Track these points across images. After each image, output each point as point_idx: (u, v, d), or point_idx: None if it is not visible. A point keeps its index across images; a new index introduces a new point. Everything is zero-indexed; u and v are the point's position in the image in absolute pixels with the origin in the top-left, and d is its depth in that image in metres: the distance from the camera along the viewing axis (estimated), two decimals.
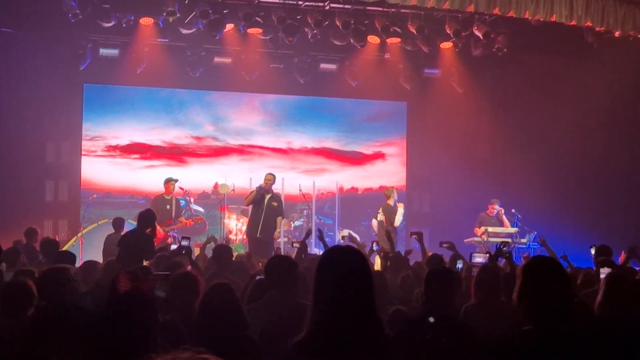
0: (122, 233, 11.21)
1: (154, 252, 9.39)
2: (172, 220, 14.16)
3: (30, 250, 10.81)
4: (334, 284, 3.22)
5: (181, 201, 16.56)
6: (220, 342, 3.98)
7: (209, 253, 10.14)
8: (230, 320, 4.54)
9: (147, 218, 9.70)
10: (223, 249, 8.38)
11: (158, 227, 14.02)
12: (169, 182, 14.49)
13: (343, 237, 14.83)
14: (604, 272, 6.71)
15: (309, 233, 10.57)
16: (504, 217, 15.53)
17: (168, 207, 14.28)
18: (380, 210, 14.74)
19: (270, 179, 13.57)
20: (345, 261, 3.28)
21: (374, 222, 14.92)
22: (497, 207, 15.39)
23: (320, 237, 9.85)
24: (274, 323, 4.91)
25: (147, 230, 9.59)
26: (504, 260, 8.03)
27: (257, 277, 6.05)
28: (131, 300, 3.65)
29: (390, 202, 14.82)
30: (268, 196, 13.53)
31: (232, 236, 16.31)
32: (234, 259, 9.50)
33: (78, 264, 9.19)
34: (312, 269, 7.23)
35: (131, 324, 3.54)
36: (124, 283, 3.66)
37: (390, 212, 14.62)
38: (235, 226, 16.97)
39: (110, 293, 4.73)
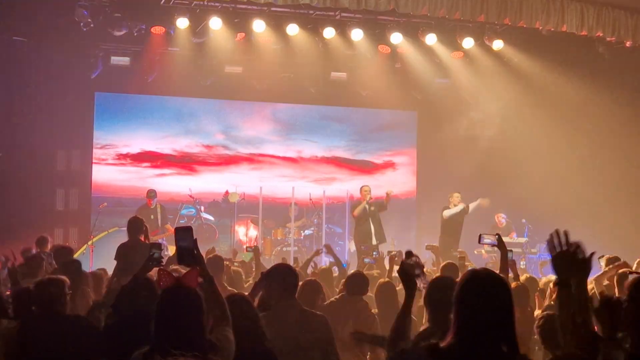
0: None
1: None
2: (158, 229, 14.29)
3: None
4: (476, 310, 3.22)
5: (191, 209, 16.62)
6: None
7: None
8: (248, 333, 4.46)
9: (136, 226, 9.32)
10: (214, 260, 8.29)
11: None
12: (148, 197, 15.05)
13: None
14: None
15: (317, 252, 10.93)
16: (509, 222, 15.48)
17: (152, 216, 14.62)
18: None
19: (368, 190, 14.42)
20: (488, 289, 3.27)
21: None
22: (503, 217, 15.36)
23: (329, 251, 10.14)
24: (283, 333, 4.89)
25: (141, 238, 9.25)
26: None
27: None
28: (177, 294, 3.56)
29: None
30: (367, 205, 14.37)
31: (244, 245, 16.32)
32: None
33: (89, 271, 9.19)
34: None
35: (180, 319, 3.46)
36: (165, 279, 3.53)
37: None
38: (246, 235, 16.97)
39: (149, 290, 4.73)
